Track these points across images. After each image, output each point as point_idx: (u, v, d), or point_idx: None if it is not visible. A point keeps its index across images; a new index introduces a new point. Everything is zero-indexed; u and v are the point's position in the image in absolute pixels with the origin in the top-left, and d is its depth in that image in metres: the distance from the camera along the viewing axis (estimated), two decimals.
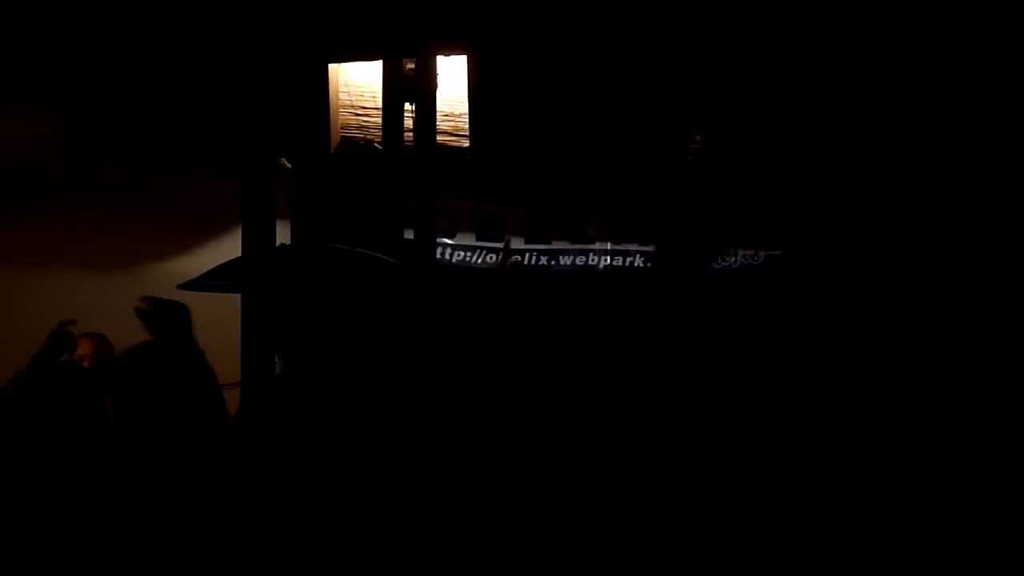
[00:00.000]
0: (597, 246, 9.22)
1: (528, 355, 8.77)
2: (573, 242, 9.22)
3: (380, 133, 7.77)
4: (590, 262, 9.22)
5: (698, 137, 8.49)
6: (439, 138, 7.60)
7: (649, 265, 9.25)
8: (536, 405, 7.37)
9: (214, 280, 6.98)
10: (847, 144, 8.46)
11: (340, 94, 7.81)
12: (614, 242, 9.21)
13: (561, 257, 9.19)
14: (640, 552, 6.27)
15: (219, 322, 8.03)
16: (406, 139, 7.58)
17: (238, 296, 7.60)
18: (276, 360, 7.37)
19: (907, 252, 8.74)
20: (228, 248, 7.99)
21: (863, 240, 8.86)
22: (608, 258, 9.22)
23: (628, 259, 9.22)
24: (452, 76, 7.79)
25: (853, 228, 8.89)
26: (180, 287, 7.08)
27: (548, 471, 6.38)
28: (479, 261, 9.14)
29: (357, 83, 7.97)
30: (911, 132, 8.32)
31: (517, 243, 9.17)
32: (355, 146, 8.05)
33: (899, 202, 8.70)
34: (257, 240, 7.24)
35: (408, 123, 7.57)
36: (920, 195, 8.64)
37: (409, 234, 7.60)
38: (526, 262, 9.20)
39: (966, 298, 8.57)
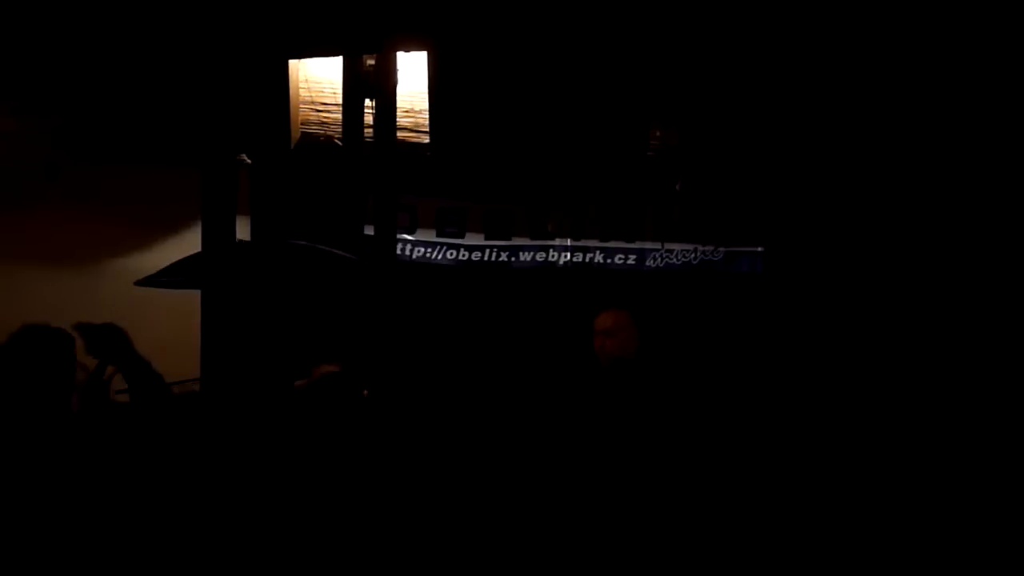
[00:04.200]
0: (557, 243, 9.25)
1: (489, 351, 8.81)
2: (533, 238, 9.24)
3: (340, 129, 7.77)
4: (550, 259, 9.25)
5: (658, 133, 8.51)
6: (399, 134, 7.61)
7: (610, 262, 9.28)
8: (497, 401, 7.40)
9: (170, 276, 6.99)
10: (809, 139, 8.51)
11: (300, 90, 7.81)
12: (574, 239, 9.24)
13: (521, 253, 9.21)
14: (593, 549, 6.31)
15: (180, 317, 8.05)
16: (366, 135, 7.58)
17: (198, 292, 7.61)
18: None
19: (874, 248, 8.80)
20: (188, 244, 7.98)
21: (827, 234, 8.91)
22: (568, 255, 9.25)
23: (588, 255, 9.25)
24: (412, 72, 7.80)
25: (817, 223, 8.94)
26: (137, 284, 7.09)
27: (512, 467, 6.40)
28: (439, 257, 9.16)
29: (317, 79, 7.98)
30: (873, 128, 8.37)
31: (477, 239, 9.19)
32: (315, 142, 8.06)
33: (864, 197, 8.75)
34: (217, 236, 7.22)
35: (368, 119, 7.57)
36: (885, 190, 8.69)
37: (369, 230, 7.62)
38: (486, 259, 9.23)
39: (926, 292, 8.64)
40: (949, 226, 8.65)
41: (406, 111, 7.88)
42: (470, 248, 9.21)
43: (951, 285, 8.62)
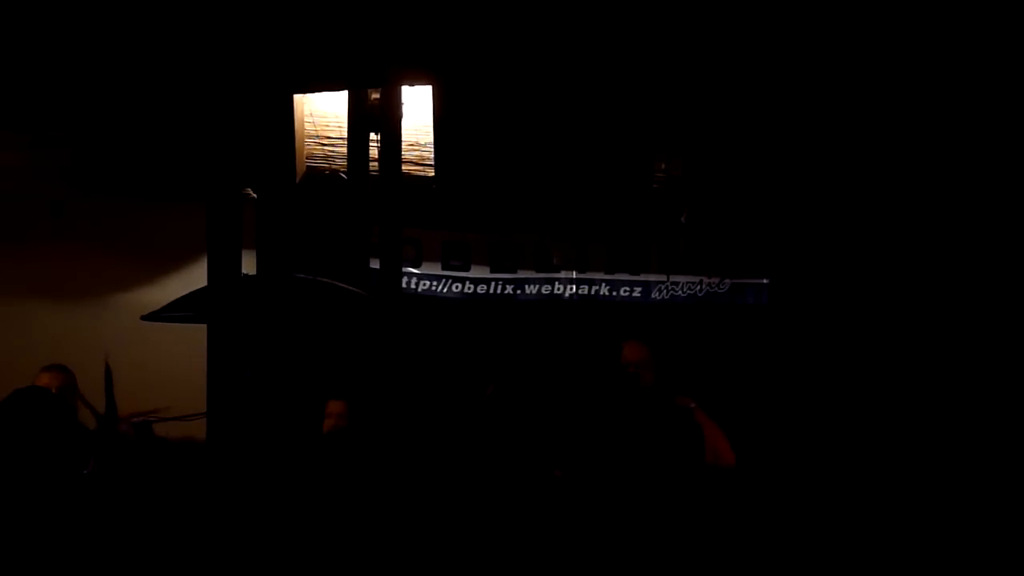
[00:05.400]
0: (562, 275, 9.24)
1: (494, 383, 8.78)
2: (538, 271, 9.22)
3: (345, 163, 7.78)
4: (555, 291, 9.24)
5: (662, 165, 8.51)
6: (404, 167, 7.62)
7: (615, 294, 9.27)
8: (501, 434, 7.38)
9: (177, 311, 6.98)
10: (813, 170, 8.51)
11: (305, 124, 7.82)
12: (579, 271, 9.24)
13: (526, 286, 9.20)
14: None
15: (186, 352, 8.05)
16: (371, 169, 7.60)
17: (204, 326, 7.61)
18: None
19: (880, 279, 8.80)
20: (194, 278, 7.99)
21: (833, 266, 8.91)
22: (573, 287, 9.24)
23: (593, 288, 9.24)
24: (417, 106, 7.81)
25: (822, 254, 8.94)
26: (143, 318, 7.09)
27: (516, 500, 6.40)
28: (444, 290, 9.15)
29: (322, 113, 7.99)
30: (879, 159, 8.38)
31: (482, 271, 9.19)
32: (320, 176, 8.07)
33: (870, 228, 8.75)
34: (222, 270, 7.24)
35: (373, 153, 7.58)
36: (891, 221, 8.70)
37: (375, 263, 7.61)
38: (491, 291, 9.22)
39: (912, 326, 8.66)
40: (954, 255, 8.65)
41: (411, 144, 7.88)
42: (475, 281, 9.21)
43: (957, 314, 8.61)
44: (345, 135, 7.73)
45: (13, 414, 5.13)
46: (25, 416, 5.12)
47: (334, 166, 8.06)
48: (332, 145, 8.04)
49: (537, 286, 9.24)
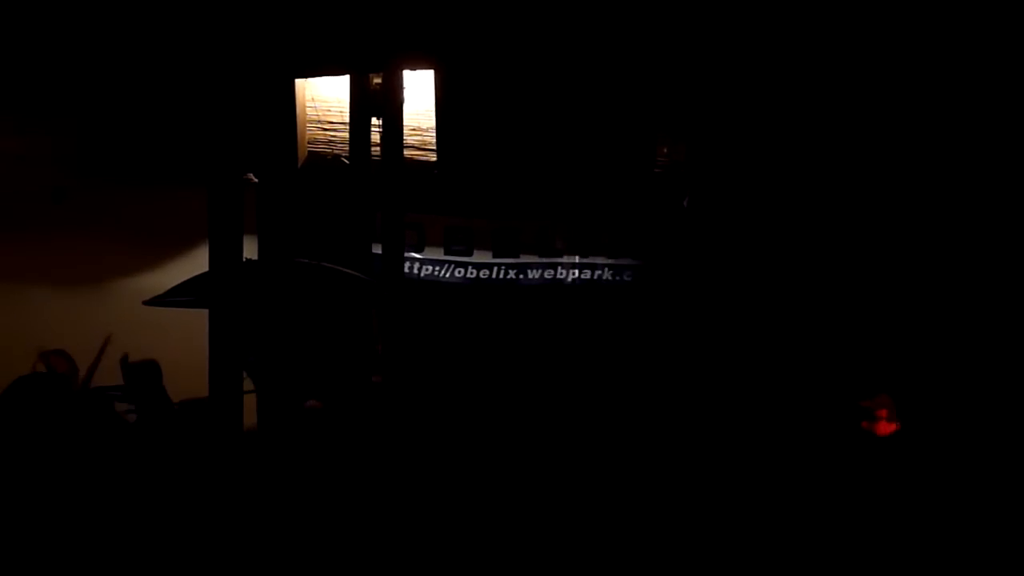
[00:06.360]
0: (565, 259, 9.23)
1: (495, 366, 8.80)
2: (541, 256, 9.22)
3: (347, 148, 7.78)
4: (558, 276, 9.23)
5: (665, 150, 8.52)
6: (406, 152, 7.61)
7: (618, 278, 9.27)
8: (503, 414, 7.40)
9: (178, 296, 6.99)
10: (815, 155, 8.52)
11: (307, 109, 7.81)
12: (582, 255, 9.23)
13: (529, 271, 9.20)
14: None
15: (188, 337, 8.05)
16: (373, 154, 7.60)
17: (206, 311, 7.61)
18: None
19: (891, 261, 8.85)
20: (196, 263, 7.99)
21: (841, 245, 8.93)
22: (576, 271, 9.23)
23: (596, 272, 9.24)
24: (419, 90, 7.81)
25: (827, 235, 8.95)
26: (145, 303, 7.09)
27: (514, 475, 6.43)
28: (447, 275, 9.14)
29: (324, 98, 7.99)
30: (874, 146, 8.40)
31: (485, 256, 9.18)
32: (322, 161, 8.06)
33: (873, 212, 8.78)
34: (224, 255, 7.23)
35: (375, 138, 7.58)
36: (893, 209, 8.73)
37: (377, 248, 7.61)
38: (494, 276, 9.21)
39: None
40: (956, 234, 8.72)
41: (413, 129, 7.88)
42: (478, 266, 9.20)
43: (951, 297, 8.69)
44: (347, 120, 7.73)
45: (18, 401, 5.16)
46: (30, 402, 5.16)
47: (336, 151, 8.06)
48: (334, 130, 8.03)
49: (540, 271, 9.23)
